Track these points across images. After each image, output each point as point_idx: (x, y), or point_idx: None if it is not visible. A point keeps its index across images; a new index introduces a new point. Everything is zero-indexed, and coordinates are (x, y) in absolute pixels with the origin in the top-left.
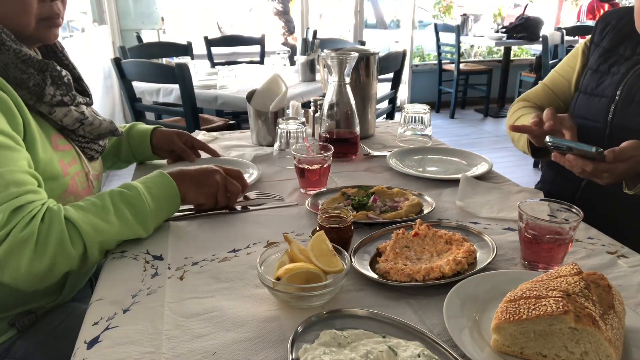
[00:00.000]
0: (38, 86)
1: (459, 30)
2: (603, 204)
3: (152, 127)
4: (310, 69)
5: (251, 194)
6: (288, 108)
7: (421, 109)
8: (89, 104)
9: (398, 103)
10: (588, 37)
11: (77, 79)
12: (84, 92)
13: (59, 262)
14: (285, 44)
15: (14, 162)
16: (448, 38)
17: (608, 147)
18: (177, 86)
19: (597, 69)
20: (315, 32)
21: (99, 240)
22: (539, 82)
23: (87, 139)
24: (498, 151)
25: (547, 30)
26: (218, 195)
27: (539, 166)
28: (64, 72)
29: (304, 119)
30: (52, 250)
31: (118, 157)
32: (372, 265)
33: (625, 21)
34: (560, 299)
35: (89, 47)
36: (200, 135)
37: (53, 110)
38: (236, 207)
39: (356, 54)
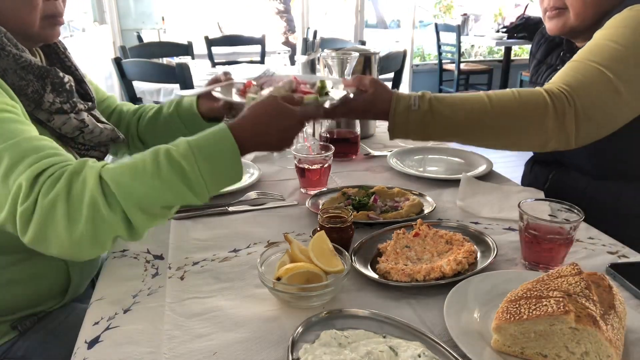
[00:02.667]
0: (37, 93)
1: (460, 30)
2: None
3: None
4: (310, 69)
5: (251, 194)
6: None
7: None
8: (91, 108)
9: None
10: None
11: (80, 82)
12: (86, 95)
13: (100, 227)
14: (285, 43)
15: (28, 132)
16: (448, 38)
17: (557, 158)
18: (177, 86)
19: (531, 80)
20: (315, 32)
21: (137, 204)
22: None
23: (87, 147)
24: (499, 151)
25: None
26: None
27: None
28: (66, 79)
29: None
30: (86, 213)
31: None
32: (373, 265)
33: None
34: (560, 299)
35: (89, 47)
36: None
37: (52, 117)
38: (236, 208)
39: (357, 54)
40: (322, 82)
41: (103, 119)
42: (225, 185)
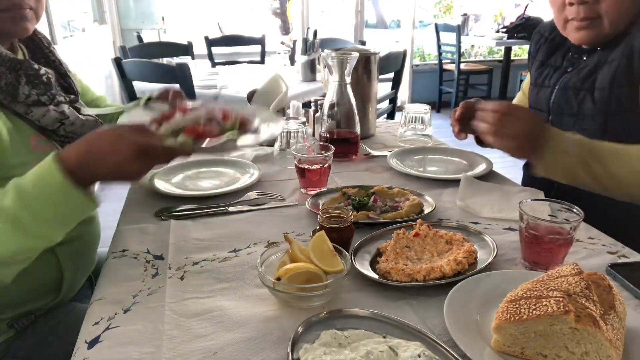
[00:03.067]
0: (10, 85)
1: (460, 30)
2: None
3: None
4: (310, 69)
5: (251, 194)
6: (288, 108)
7: (422, 109)
8: (74, 101)
9: (399, 103)
10: None
11: (63, 75)
12: (69, 88)
13: None
14: (282, 43)
15: None
16: (448, 38)
17: None
18: (177, 86)
19: (535, 83)
20: (315, 32)
21: None
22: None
23: (70, 138)
24: (498, 151)
25: None
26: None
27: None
28: (42, 71)
29: (304, 119)
30: None
31: None
32: (373, 265)
33: (557, 32)
34: (561, 299)
35: (89, 47)
36: None
37: (30, 110)
38: (236, 208)
39: (357, 54)
40: (234, 122)
41: (88, 112)
42: (73, 221)
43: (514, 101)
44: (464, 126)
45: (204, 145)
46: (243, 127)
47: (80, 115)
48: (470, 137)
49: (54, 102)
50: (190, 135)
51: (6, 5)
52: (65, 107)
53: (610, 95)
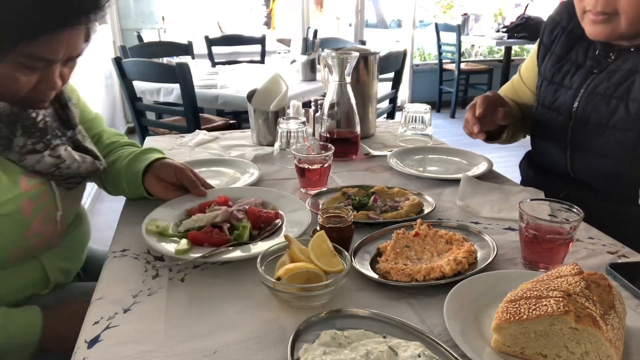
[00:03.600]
0: (5, 139)
1: (460, 29)
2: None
3: (144, 165)
4: (310, 69)
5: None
6: (289, 107)
7: (422, 109)
8: (71, 137)
9: (399, 103)
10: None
11: (64, 107)
12: (68, 122)
13: None
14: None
15: None
16: (449, 38)
17: (571, 169)
18: (177, 86)
19: (552, 80)
20: (315, 32)
21: None
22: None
23: (66, 179)
24: (499, 151)
25: None
26: None
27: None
28: (40, 117)
29: (304, 119)
30: None
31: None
32: (373, 265)
33: (576, 21)
34: (560, 299)
35: (89, 47)
36: (200, 135)
37: (24, 158)
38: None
39: (357, 54)
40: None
41: (87, 144)
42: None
43: (506, 89)
44: (484, 124)
45: (200, 255)
46: (258, 227)
47: (77, 157)
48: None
49: (50, 148)
50: (191, 242)
51: (36, 99)
52: (62, 150)
53: None
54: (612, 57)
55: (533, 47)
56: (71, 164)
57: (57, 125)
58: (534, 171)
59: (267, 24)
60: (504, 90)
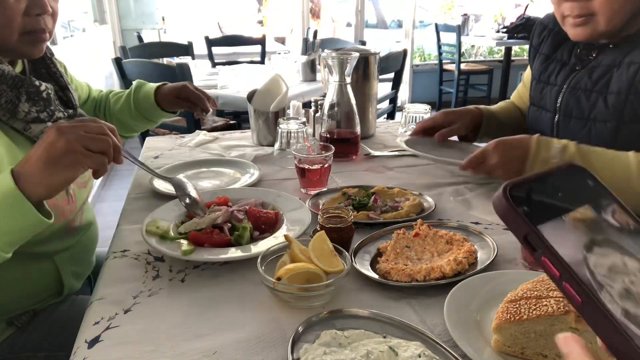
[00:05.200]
0: (11, 103)
1: (460, 30)
2: None
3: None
4: (311, 69)
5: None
6: (289, 108)
7: (422, 109)
8: (72, 116)
9: (399, 103)
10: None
11: (63, 88)
12: (69, 102)
13: None
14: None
15: None
16: (449, 38)
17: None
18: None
19: (539, 79)
20: (315, 32)
21: None
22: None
23: None
24: None
25: None
26: (84, 164)
27: None
28: (43, 87)
29: (304, 119)
30: None
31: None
32: (373, 265)
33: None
34: (561, 299)
35: (89, 47)
36: (200, 135)
37: (28, 126)
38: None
39: (357, 54)
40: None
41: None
42: (23, 237)
43: (513, 95)
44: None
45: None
46: (258, 226)
47: None
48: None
49: (53, 119)
50: (193, 243)
51: (32, 28)
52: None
53: (626, 101)
54: (594, 55)
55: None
56: None
57: (58, 103)
58: None
59: (260, 22)
60: (514, 98)
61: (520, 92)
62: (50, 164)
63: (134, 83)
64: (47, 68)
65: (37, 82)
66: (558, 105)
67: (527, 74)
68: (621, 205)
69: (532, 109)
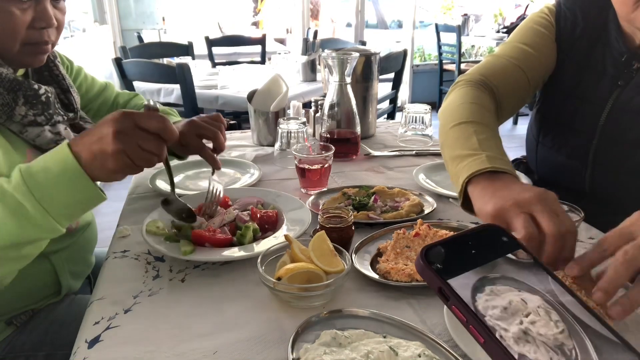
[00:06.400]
0: (7, 106)
1: (460, 30)
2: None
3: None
4: (311, 69)
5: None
6: (289, 108)
7: (422, 109)
8: (72, 119)
9: (399, 103)
10: (543, 16)
11: (65, 91)
12: (70, 105)
13: None
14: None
15: None
16: (449, 38)
17: (589, 187)
18: (178, 86)
19: (572, 93)
20: (316, 32)
21: None
22: (492, 54)
23: None
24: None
25: None
26: (132, 159)
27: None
28: (42, 90)
29: (304, 119)
30: None
31: None
32: (373, 265)
33: (603, 16)
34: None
35: (90, 47)
36: None
37: (25, 129)
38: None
39: (357, 54)
40: (249, 229)
41: (89, 126)
42: (80, 211)
43: (491, 74)
44: None
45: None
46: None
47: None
48: None
49: (51, 123)
50: (194, 241)
51: (35, 41)
52: (62, 128)
53: None
54: (635, 66)
55: (534, 25)
56: None
57: (59, 107)
58: (534, 182)
59: (255, 23)
60: (494, 80)
61: (528, 56)
62: (98, 159)
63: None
64: (50, 70)
65: (35, 86)
66: (600, 127)
67: (534, 40)
68: (534, 258)
69: (551, 124)
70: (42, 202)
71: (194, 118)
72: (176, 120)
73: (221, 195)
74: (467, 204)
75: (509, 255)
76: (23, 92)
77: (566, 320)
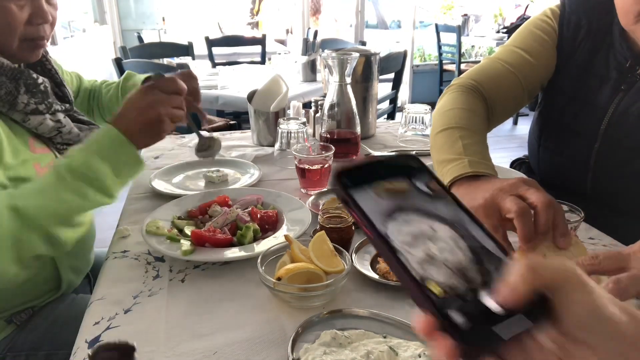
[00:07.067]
0: (10, 94)
1: (460, 30)
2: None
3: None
4: (311, 69)
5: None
6: (289, 108)
7: (422, 109)
8: (68, 110)
9: (399, 103)
10: (545, 20)
11: (59, 85)
12: (64, 97)
13: (22, 250)
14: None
15: None
16: (449, 38)
17: (591, 189)
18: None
19: (575, 96)
20: (316, 33)
21: (55, 219)
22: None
23: (66, 146)
24: (499, 151)
25: None
26: (171, 118)
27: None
28: (40, 80)
29: (304, 119)
30: (7, 244)
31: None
32: (373, 265)
33: (603, 21)
34: None
35: (90, 48)
36: None
37: (27, 118)
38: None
39: (357, 54)
40: (249, 229)
41: (83, 117)
42: (129, 177)
43: (485, 80)
44: None
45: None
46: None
47: (74, 127)
48: None
49: (51, 111)
50: (194, 241)
51: (33, 36)
52: (61, 116)
53: None
54: (639, 71)
55: (534, 29)
56: (70, 130)
57: (55, 99)
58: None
59: (253, 25)
60: (487, 85)
61: (522, 63)
62: (146, 129)
63: (125, 73)
64: (42, 66)
65: (34, 75)
66: (601, 131)
67: (532, 46)
68: (439, 182)
69: (552, 127)
70: (103, 173)
71: (173, 75)
72: (144, 76)
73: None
74: None
75: (422, 185)
76: (24, 81)
77: (472, 249)
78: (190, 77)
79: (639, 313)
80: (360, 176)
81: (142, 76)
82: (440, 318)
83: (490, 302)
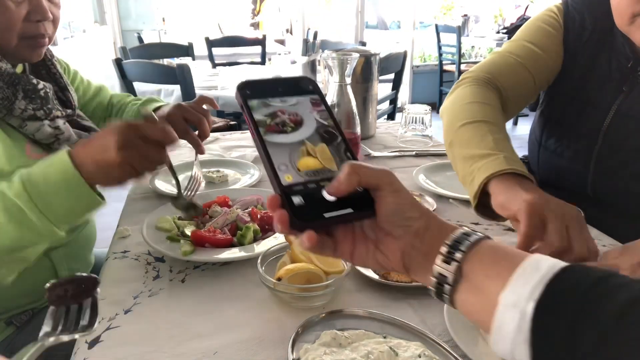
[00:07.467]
0: (7, 100)
1: (460, 31)
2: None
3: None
4: (311, 70)
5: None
6: None
7: (422, 110)
8: (70, 115)
9: (399, 104)
10: (552, 16)
11: (63, 89)
12: (67, 102)
13: None
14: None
15: None
16: (449, 39)
17: (592, 191)
18: (178, 87)
19: (576, 96)
20: (316, 33)
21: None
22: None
23: None
24: None
25: None
26: (136, 168)
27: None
28: (40, 85)
29: None
30: None
31: None
32: None
33: (604, 23)
34: None
35: (90, 48)
36: None
37: (24, 124)
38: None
39: (357, 55)
40: (249, 228)
41: (86, 123)
42: (79, 216)
43: (499, 74)
44: None
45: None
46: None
47: (73, 133)
48: None
49: (50, 117)
50: (194, 242)
51: (33, 34)
52: (61, 122)
53: None
54: None
55: (541, 23)
56: (69, 137)
57: (57, 103)
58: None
59: (254, 25)
60: (501, 79)
61: (534, 56)
62: (102, 169)
63: (145, 98)
64: (47, 69)
65: (34, 80)
66: (603, 131)
67: (540, 40)
68: (327, 106)
69: (553, 127)
70: (42, 210)
71: (182, 102)
72: (162, 104)
73: (202, 183)
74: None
75: (310, 103)
76: (22, 87)
77: (333, 154)
78: (200, 105)
79: (429, 211)
80: (260, 90)
81: (161, 104)
82: (282, 195)
83: (326, 194)
